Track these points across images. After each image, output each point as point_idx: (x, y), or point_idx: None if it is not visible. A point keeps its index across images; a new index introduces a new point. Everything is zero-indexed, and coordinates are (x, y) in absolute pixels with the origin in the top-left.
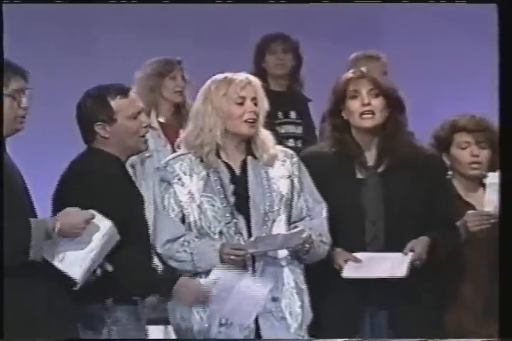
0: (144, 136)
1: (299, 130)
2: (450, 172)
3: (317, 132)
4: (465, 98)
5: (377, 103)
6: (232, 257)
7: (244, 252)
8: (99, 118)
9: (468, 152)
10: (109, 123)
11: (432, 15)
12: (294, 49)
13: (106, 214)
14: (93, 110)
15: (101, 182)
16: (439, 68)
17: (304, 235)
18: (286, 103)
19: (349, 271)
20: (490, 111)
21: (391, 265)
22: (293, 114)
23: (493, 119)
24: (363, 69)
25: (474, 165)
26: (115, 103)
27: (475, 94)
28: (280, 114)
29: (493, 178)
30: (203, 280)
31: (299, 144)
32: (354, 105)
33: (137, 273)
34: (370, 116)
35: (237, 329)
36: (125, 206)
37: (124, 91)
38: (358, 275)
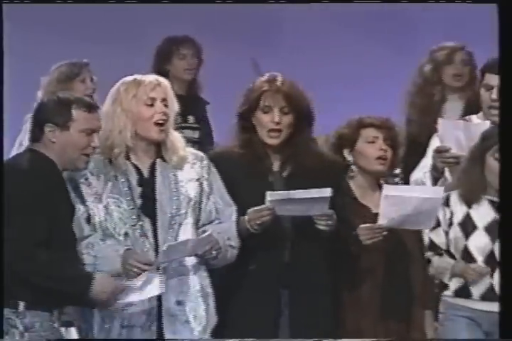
0: (87, 156)
1: (196, 134)
2: (354, 168)
3: (215, 135)
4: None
5: (287, 120)
6: (135, 270)
7: (150, 267)
8: (53, 121)
9: (376, 146)
10: (60, 129)
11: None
12: (200, 53)
13: (30, 209)
14: (52, 111)
15: (32, 179)
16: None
17: (213, 241)
18: (185, 107)
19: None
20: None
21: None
22: (191, 119)
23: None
24: (279, 82)
25: (381, 161)
26: (76, 113)
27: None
28: (179, 118)
29: (388, 191)
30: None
31: (196, 149)
32: (264, 119)
33: (53, 270)
34: (277, 134)
35: (138, 330)
36: (52, 206)
37: (90, 107)
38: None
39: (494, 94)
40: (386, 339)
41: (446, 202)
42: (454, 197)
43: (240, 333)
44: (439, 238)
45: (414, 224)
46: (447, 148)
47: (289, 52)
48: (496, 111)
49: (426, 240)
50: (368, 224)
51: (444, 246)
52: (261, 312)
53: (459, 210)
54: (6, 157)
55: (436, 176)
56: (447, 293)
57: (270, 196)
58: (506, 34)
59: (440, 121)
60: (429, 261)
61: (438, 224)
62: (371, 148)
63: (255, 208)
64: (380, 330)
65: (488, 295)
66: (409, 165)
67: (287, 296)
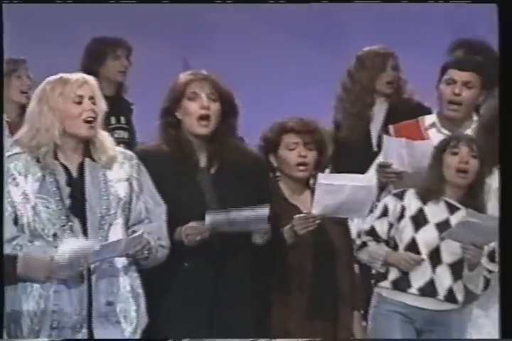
0: None
1: (127, 135)
2: (278, 174)
3: (138, 136)
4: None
5: (215, 107)
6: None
7: (83, 268)
8: None
9: (295, 153)
10: None
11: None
12: (131, 55)
13: None
14: None
15: None
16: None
17: (144, 241)
18: (117, 108)
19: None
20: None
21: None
22: (123, 119)
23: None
24: (205, 72)
25: (301, 167)
26: None
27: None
28: (113, 119)
29: (322, 179)
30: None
31: (127, 149)
32: (192, 107)
33: None
34: (206, 122)
35: (69, 331)
36: None
37: None
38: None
39: (457, 89)
40: (313, 339)
41: (401, 196)
42: (411, 193)
43: (170, 333)
44: (382, 227)
45: (348, 213)
46: (389, 163)
47: (220, 53)
48: (455, 106)
49: (354, 233)
50: (302, 214)
51: (384, 236)
52: (191, 312)
53: (413, 205)
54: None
55: (381, 187)
56: (384, 284)
57: (208, 219)
58: (506, 34)
59: (384, 137)
60: (364, 244)
61: (385, 214)
62: (291, 154)
63: (193, 225)
64: (308, 330)
65: (426, 289)
66: (339, 167)
67: (217, 296)
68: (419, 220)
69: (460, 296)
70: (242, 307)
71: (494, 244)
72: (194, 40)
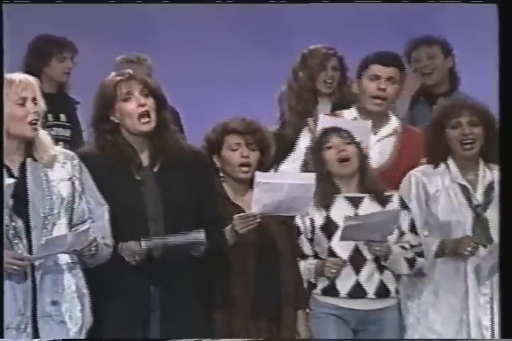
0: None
1: (68, 133)
2: (222, 175)
3: (85, 135)
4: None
5: (150, 103)
6: (14, 267)
7: (26, 263)
8: None
9: (238, 153)
10: None
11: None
12: (75, 56)
13: None
14: None
15: None
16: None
17: (91, 236)
18: (56, 105)
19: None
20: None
21: None
22: (63, 117)
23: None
24: (130, 71)
25: (244, 168)
26: None
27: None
28: (50, 116)
29: (260, 177)
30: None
31: (68, 147)
32: (129, 107)
33: None
34: (147, 119)
35: (13, 332)
36: None
37: None
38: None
39: (382, 84)
40: (257, 339)
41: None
42: (312, 206)
43: (113, 333)
44: (303, 245)
45: (288, 210)
46: None
47: (164, 53)
48: (379, 101)
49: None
50: (242, 213)
51: (309, 252)
52: (135, 312)
53: (318, 215)
54: None
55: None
56: (316, 291)
57: (144, 245)
58: (506, 34)
59: (320, 116)
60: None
61: (299, 233)
62: (234, 155)
63: (130, 246)
64: (252, 330)
65: (355, 292)
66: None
67: (162, 296)
68: (330, 228)
69: (392, 287)
70: (187, 307)
71: (410, 218)
72: (138, 40)
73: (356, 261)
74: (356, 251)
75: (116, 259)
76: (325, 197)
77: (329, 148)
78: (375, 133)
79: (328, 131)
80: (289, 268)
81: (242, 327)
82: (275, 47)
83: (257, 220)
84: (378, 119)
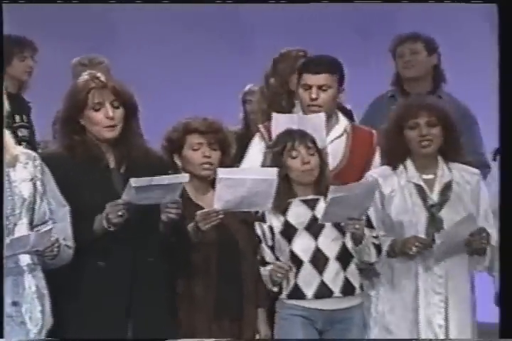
0: None
1: (27, 133)
2: (182, 172)
3: (37, 135)
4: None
5: (119, 114)
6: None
7: None
8: None
9: (200, 153)
10: None
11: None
12: (35, 54)
13: None
14: None
15: None
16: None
17: (53, 237)
18: (20, 106)
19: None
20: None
21: None
22: (25, 118)
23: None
24: (103, 78)
25: (206, 166)
26: None
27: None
28: (17, 118)
29: (222, 173)
30: None
31: (29, 147)
32: (97, 117)
33: None
34: (111, 129)
35: None
36: None
37: None
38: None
39: (313, 94)
40: (220, 339)
41: (262, 219)
42: (268, 212)
43: (76, 334)
44: (264, 253)
45: (250, 206)
46: None
47: (126, 53)
48: (316, 108)
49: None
50: (204, 210)
51: (270, 260)
52: (95, 312)
53: (276, 221)
54: None
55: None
56: (281, 296)
57: (134, 182)
58: (506, 34)
59: (274, 115)
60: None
61: (260, 241)
62: (196, 154)
63: (112, 204)
64: (214, 329)
65: (321, 293)
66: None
67: (125, 296)
68: (289, 232)
69: (356, 283)
70: (150, 307)
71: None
72: (98, 40)
73: (318, 261)
74: (317, 251)
75: (77, 260)
76: (281, 203)
77: (294, 157)
78: (326, 135)
79: (294, 137)
80: (250, 267)
81: (204, 326)
82: (236, 47)
83: (220, 216)
84: (328, 122)
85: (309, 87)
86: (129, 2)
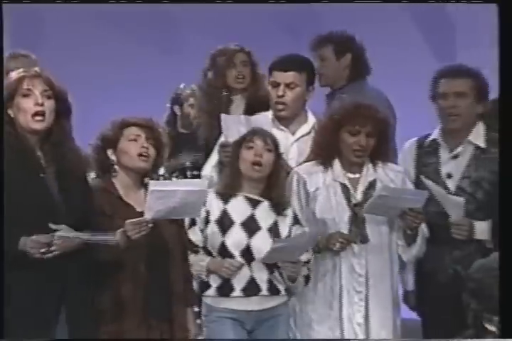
0: None
1: None
2: (117, 168)
3: None
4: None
5: (49, 104)
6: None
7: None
8: None
9: (138, 144)
10: None
11: None
12: None
13: None
14: None
15: None
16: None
17: None
18: None
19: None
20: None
21: None
22: None
23: None
24: (37, 68)
25: (143, 158)
26: None
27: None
28: None
29: (154, 186)
30: None
31: None
32: (26, 104)
33: None
34: (41, 118)
35: None
36: None
37: None
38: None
39: (280, 91)
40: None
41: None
42: (211, 195)
43: (14, 333)
44: (195, 236)
45: (181, 215)
46: (229, 143)
47: (51, 51)
48: (281, 106)
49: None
50: (134, 219)
51: (200, 244)
52: (29, 312)
53: (215, 208)
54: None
55: (222, 169)
56: (209, 292)
57: (58, 236)
58: (506, 34)
59: (222, 116)
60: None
61: (193, 223)
62: (133, 145)
63: (40, 240)
64: (143, 330)
65: (249, 288)
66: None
67: (54, 296)
68: (225, 223)
69: (281, 286)
70: (81, 308)
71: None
72: (25, 38)
73: (248, 258)
74: (248, 249)
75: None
76: (225, 191)
77: (250, 148)
78: (293, 134)
79: (255, 132)
80: (179, 267)
81: (133, 327)
82: (169, 47)
83: (149, 225)
84: (295, 120)
85: (277, 85)
86: (128, 2)
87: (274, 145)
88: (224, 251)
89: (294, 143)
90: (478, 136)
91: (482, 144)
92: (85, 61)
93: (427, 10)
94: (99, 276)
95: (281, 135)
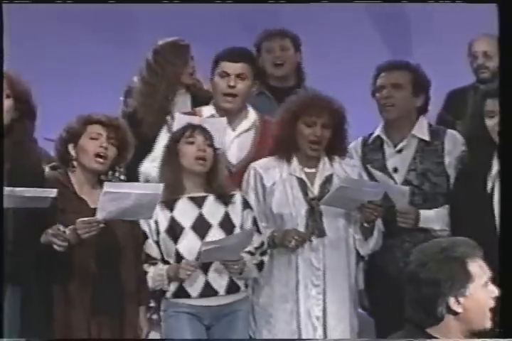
0: None
1: None
2: (75, 163)
3: None
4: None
5: (9, 102)
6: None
7: None
8: None
9: (97, 143)
10: None
11: None
12: None
13: None
14: None
15: None
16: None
17: None
18: None
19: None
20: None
21: None
22: None
23: None
24: None
25: (99, 159)
26: None
27: None
28: None
29: (108, 187)
30: None
31: None
32: None
33: None
34: None
35: None
36: None
37: None
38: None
39: (232, 81)
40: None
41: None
42: (157, 207)
43: None
44: (151, 249)
45: (133, 216)
46: None
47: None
48: (230, 98)
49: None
50: (85, 218)
51: (157, 256)
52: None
53: (162, 217)
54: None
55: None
56: (167, 295)
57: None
58: (506, 34)
59: (176, 115)
60: (146, 272)
61: (146, 237)
62: (92, 144)
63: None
64: (94, 328)
65: (205, 292)
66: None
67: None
68: (175, 230)
69: (241, 283)
70: (29, 306)
71: (252, 216)
72: None
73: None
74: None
75: None
76: (170, 196)
77: (191, 143)
78: (233, 130)
79: (193, 128)
80: (131, 266)
81: (82, 325)
82: (119, 44)
83: (100, 226)
84: (237, 115)
85: (227, 75)
86: (128, 2)
87: (211, 141)
88: (180, 259)
89: (235, 139)
90: (421, 129)
91: (426, 137)
92: (43, 57)
93: (306, 10)
94: (51, 272)
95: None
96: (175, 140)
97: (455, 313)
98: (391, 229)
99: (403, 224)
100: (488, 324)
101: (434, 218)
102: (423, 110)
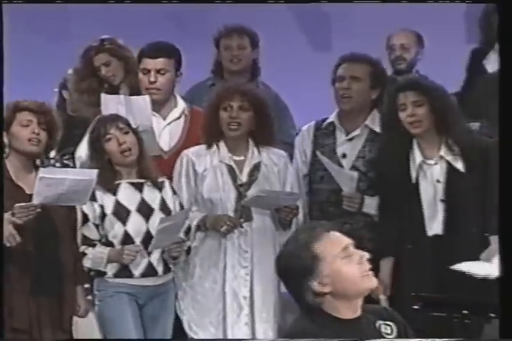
0: None
1: None
2: (7, 151)
3: None
4: None
5: None
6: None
7: None
8: None
9: (29, 129)
10: None
11: None
12: None
13: None
14: None
15: None
16: None
17: None
18: None
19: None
20: None
21: None
22: None
23: None
24: None
25: (33, 142)
26: None
27: None
28: None
29: (44, 173)
30: None
31: None
32: None
33: None
34: None
35: None
36: None
37: None
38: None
39: (152, 77)
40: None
41: (93, 198)
42: (99, 191)
43: None
44: (90, 231)
45: (68, 201)
46: None
47: None
48: (154, 91)
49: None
50: (22, 203)
51: (97, 238)
52: None
53: (107, 200)
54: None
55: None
56: (107, 276)
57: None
58: (506, 34)
59: (102, 96)
60: (84, 254)
61: (86, 220)
62: (24, 131)
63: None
64: (33, 307)
65: (147, 273)
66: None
67: None
68: (121, 213)
69: (171, 265)
70: None
71: (179, 202)
72: None
73: (147, 243)
74: (147, 233)
75: None
76: (108, 183)
77: (109, 139)
78: (164, 118)
79: (106, 122)
80: (69, 249)
81: (22, 304)
82: (57, 34)
83: (37, 210)
84: (166, 104)
85: (148, 71)
86: (128, 2)
87: (128, 127)
88: (127, 240)
89: (166, 127)
90: (374, 121)
91: (378, 129)
92: None
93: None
94: None
95: (153, 119)
96: (95, 140)
97: (325, 293)
98: (330, 211)
99: (348, 207)
100: (367, 284)
101: (375, 204)
102: (378, 102)
